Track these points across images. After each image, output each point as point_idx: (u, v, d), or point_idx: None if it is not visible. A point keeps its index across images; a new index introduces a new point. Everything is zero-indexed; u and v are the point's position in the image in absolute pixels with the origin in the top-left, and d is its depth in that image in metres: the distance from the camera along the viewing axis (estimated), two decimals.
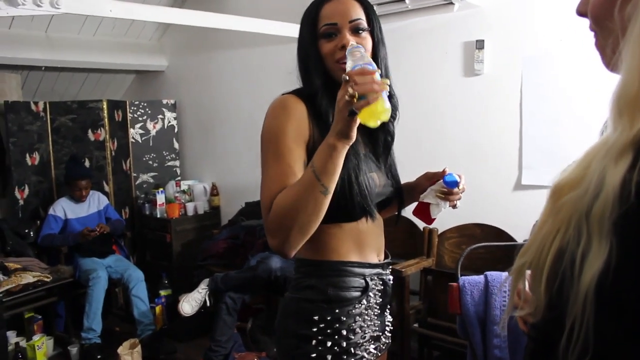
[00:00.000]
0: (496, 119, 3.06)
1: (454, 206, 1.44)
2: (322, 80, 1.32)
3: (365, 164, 1.34)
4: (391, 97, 1.40)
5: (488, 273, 1.93)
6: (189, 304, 3.36)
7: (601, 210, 0.57)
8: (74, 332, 3.80)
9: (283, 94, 1.35)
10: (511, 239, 2.88)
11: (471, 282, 1.88)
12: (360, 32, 1.31)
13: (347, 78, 1.04)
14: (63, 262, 3.89)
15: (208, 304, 3.42)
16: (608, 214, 0.56)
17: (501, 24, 2.98)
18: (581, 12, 0.72)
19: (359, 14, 1.32)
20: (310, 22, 1.34)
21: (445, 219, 3.37)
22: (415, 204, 1.52)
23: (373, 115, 1.04)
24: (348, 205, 1.29)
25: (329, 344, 1.30)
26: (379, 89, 1.03)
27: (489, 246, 2.25)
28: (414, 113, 3.29)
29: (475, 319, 1.81)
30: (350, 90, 1.02)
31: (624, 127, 0.58)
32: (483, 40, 3.02)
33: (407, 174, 1.54)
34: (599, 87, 2.60)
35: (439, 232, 3.20)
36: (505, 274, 1.93)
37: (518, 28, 2.93)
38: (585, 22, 0.73)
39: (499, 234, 2.93)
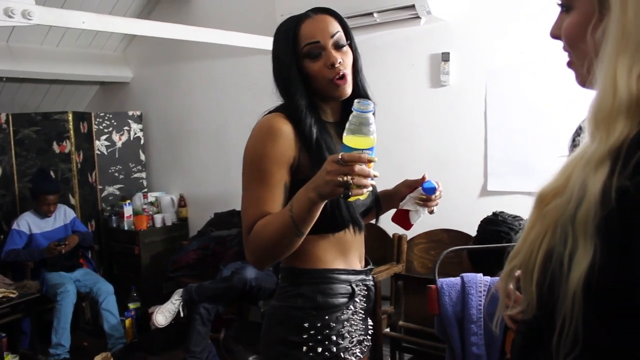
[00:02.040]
0: (462, 128, 3.18)
1: (432, 212, 1.50)
2: (306, 101, 1.34)
3: None
4: (369, 98, 1.44)
5: (464, 274, 2.03)
6: (163, 315, 3.34)
7: (585, 215, 0.63)
8: (40, 349, 3.72)
9: (270, 112, 1.37)
10: None
11: (448, 283, 1.97)
12: (342, 47, 1.35)
13: (343, 162, 1.08)
14: (29, 277, 3.80)
15: (182, 314, 3.40)
16: (592, 218, 0.62)
17: (466, 38, 3.11)
18: (555, 36, 0.79)
19: (337, 27, 1.35)
20: (289, 43, 1.34)
21: (413, 225, 3.45)
22: (393, 210, 1.58)
23: (356, 197, 1.14)
24: (337, 218, 1.34)
25: (320, 349, 1.34)
26: (372, 186, 1.13)
27: (462, 249, 2.35)
28: (382, 122, 3.37)
29: (453, 319, 1.90)
30: (346, 178, 1.08)
31: (600, 138, 0.65)
32: (448, 53, 3.15)
33: (377, 182, 1.58)
34: (557, 97, 2.77)
35: (408, 239, 3.29)
36: (480, 275, 2.03)
37: (482, 41, 3.07)
38: (545, 38, 0.81)
39: (466, 238, 3.04)
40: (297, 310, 1.37)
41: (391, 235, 3.32)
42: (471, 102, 3.13)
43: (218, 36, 3.40)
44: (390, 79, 3.38)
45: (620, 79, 0.62)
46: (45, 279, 3.76)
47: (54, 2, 3.83)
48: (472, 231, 3.06)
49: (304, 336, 1.34)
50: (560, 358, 0.66)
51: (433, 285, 1.94)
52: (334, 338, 1.36)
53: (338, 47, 1.34)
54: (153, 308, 3.49)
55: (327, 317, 1.36)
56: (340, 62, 1.32)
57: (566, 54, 0.78)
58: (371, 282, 1.51)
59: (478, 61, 3.08)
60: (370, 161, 1.10)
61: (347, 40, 1.37)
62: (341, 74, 1.33)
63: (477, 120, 3.12)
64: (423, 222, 2.91)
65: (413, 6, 2.98)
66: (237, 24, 3.69)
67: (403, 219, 1.52)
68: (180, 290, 3.46)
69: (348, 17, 3.18)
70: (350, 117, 1.12)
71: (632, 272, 0.60)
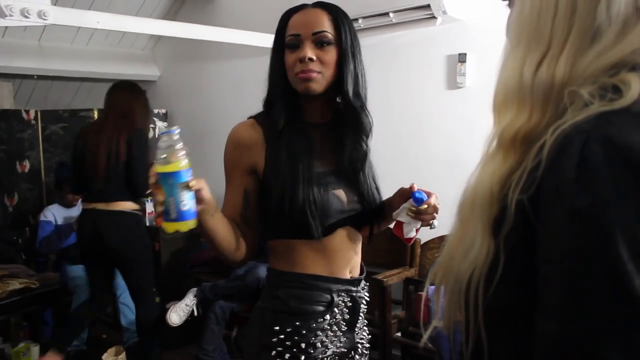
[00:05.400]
0: (478, 131, 3.06)
1: (431, 226, 1.35)
2: (281, 89, 1.35)
3: (324, 180, 1.33)
4: (364, 114, 1.38)
5: None
6: (177, 314, 3.38)
7: (484, 218, 0.66)
8: None
9: (249, 118, 1.42)
10: None
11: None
12: (324, 45, 1.30)
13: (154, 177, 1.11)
14: (51, 269, 3.91)
15: (196, 313, 3.43)
16: (488, 220, 0.65)
17: (483, 38, 3.03)
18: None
19: (325, 26, 1.31)
20: (279, 32, 1.36)
21: (427, 229, 3.38)
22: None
23: (169, 226, 1.11)
24: (286, 223, 1.29)
25: (287, 356, 1.30)
26: (157, 214, 1.10)
27: None
28: (396, 125, 3.33)
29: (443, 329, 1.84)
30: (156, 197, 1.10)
31: (496, 128, 0.72)
32: (465, 54, 3.07)
33: (390, 189, 1.47)
34: None
35: (422, 242, 3.24)
36: None
37: (499, 42, 2.93)
38: None
39: None
40: (271, 312, 1.35)
41: None
42: (488, 104, 3.03)
43: (239, 36, 3.41)
44: (405, 80, 3.32)
45: (513, 68, 0.65)
46: (66, 271, 3.85)
47: (81, 3, 3.93)
48: None
49: (274, 339, 1.31)
50: None
51: (421, 293, 1.88)
52: (303, 346, 1.31)
53: (319, 44, 1.31)
54: (170, 304, 3.53)
55: (298, 324, 1.32)
56: (310, 59, 1.29)
57: None
58: (359, 294, 1.41)
59: (495, 62, 2.98)
60: (157, 187, 1.09)
61: (338, 39, 1.32)
62: (306, 70, 1.29)
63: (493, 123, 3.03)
64: (436, 226, 2.88)
65: (428, 6, 2.93)
66: (262, 24, 3.68)
67: (400, 231, 1.37)
68: (194, 289, 3.49)
69: (364, 17, 3.15)
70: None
71: (529, 287, 0.59)
